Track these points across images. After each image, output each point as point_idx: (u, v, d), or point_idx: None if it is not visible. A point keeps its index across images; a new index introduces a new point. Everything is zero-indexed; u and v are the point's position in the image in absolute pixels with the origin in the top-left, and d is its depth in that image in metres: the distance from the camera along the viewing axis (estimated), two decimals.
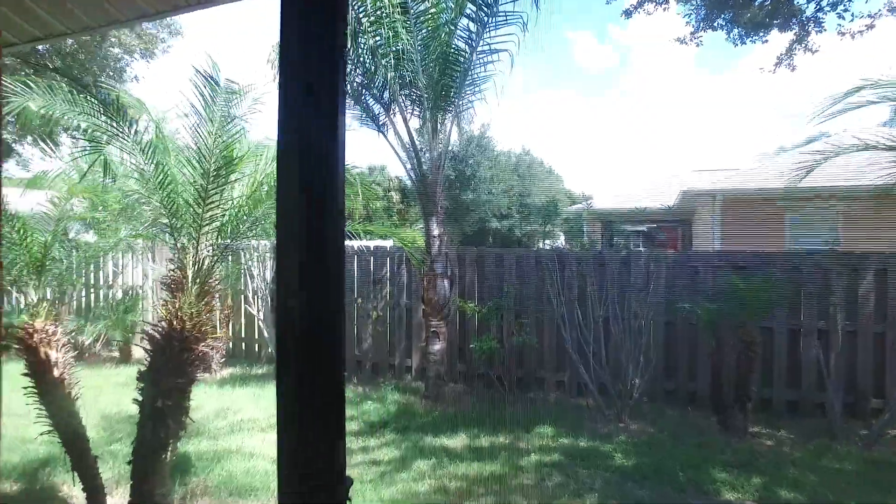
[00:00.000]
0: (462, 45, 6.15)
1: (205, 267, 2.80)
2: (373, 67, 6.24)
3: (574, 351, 6.03)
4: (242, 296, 8.23)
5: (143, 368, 2.80)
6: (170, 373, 2.73)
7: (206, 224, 2.80)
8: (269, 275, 7.79)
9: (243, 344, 8.70)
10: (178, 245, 2.87)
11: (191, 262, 2.78)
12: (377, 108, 6.85)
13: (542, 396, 6.65)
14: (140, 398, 2.81)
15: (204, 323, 2.78)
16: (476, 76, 6.34)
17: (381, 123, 6.93)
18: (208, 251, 2.83)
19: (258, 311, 7.75)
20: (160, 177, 2.83)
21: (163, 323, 2.78)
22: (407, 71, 5.94)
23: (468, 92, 6.42)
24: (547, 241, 8.91)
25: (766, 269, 5.96)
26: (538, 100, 72.17)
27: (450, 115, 6.47)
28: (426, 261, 6.52)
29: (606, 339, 5.98)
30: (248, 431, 5.14)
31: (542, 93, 73.39)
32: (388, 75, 5.91)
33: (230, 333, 8.71)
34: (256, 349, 8.46)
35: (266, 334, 7.54)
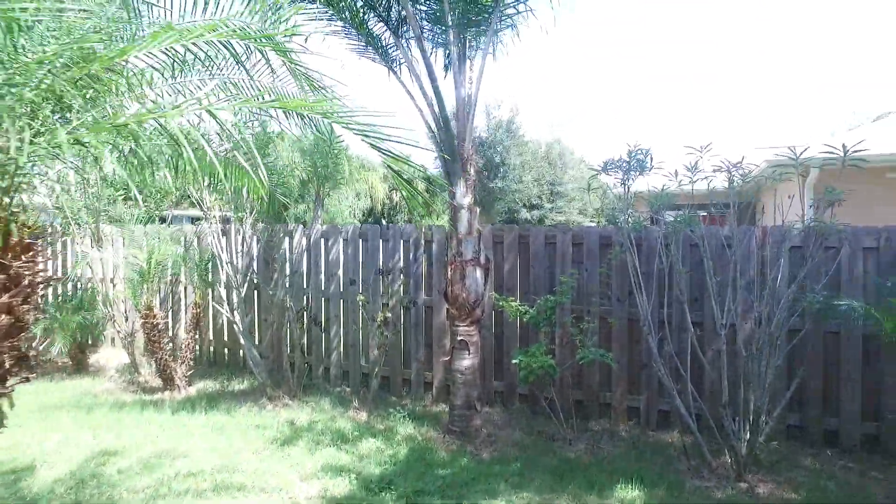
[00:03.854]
0: None
1: None
2: None
3: (663, 367, 4.16)
4: (214, 290, 6.52)
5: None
6: None
7: None
8: (240, 260, 5.90)
9: (226, 350, 7.02)
10: None
11: None
12: (386, 36, 5.07)
13: (609, 429, 4.80)
14: None
15: None
16: None
17: (391, 58, 5.15)
18: None
19: (229, 308, 5.87)
20: None
21: None
22: None
23: (507, 4, 4.58)
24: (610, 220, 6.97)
25: None
26: (570, 70, 67.51)
27: (482, 37, 4.63)
28: (451, 241, 4.70)
29: (711, 351, 4.11)
30: (175, 498, 3.38)
31: (575, 57, 68.81)
32: None
33: (210, 337, 7.05)
34: (241, 357, 6.72)
35: (242, 340, 5.75)
